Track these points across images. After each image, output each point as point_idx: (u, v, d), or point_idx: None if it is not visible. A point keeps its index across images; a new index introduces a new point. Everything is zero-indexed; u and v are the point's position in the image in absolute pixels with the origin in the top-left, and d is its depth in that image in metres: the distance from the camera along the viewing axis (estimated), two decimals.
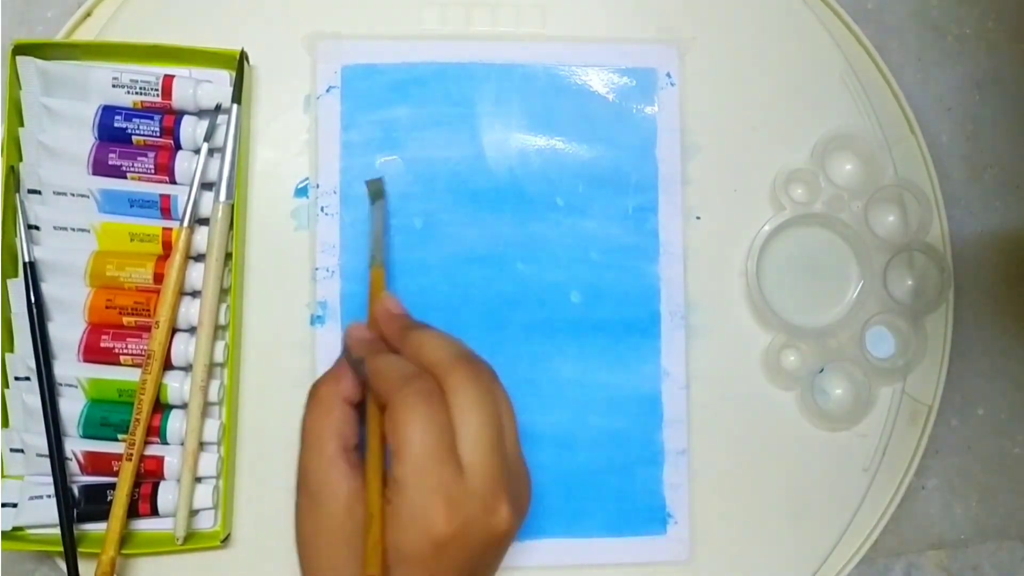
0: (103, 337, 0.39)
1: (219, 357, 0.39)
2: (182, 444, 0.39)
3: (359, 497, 0.31)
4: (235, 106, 0.39)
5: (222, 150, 0.39)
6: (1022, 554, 0.45)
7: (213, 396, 0.39)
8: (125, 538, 0.38)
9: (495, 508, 0.30)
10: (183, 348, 0.39)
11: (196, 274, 0.39)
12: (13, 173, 0.39)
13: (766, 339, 0.42)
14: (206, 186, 0.40)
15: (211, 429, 0.39)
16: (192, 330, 0.40)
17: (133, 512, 0.38)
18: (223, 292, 0.39)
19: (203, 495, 0.39)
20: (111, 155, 0.39)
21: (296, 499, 0.32)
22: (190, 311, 0.39)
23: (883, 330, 0.43)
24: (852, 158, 0.44)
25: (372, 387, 0.32)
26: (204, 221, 0.40)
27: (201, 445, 0.39)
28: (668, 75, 0.43)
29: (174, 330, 0.39)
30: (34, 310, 0.38)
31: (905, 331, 0.42)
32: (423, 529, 0.29)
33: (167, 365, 0.39)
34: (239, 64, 0.39)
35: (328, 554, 0.31)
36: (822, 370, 0.42)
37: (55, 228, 0.39)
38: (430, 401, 0.30)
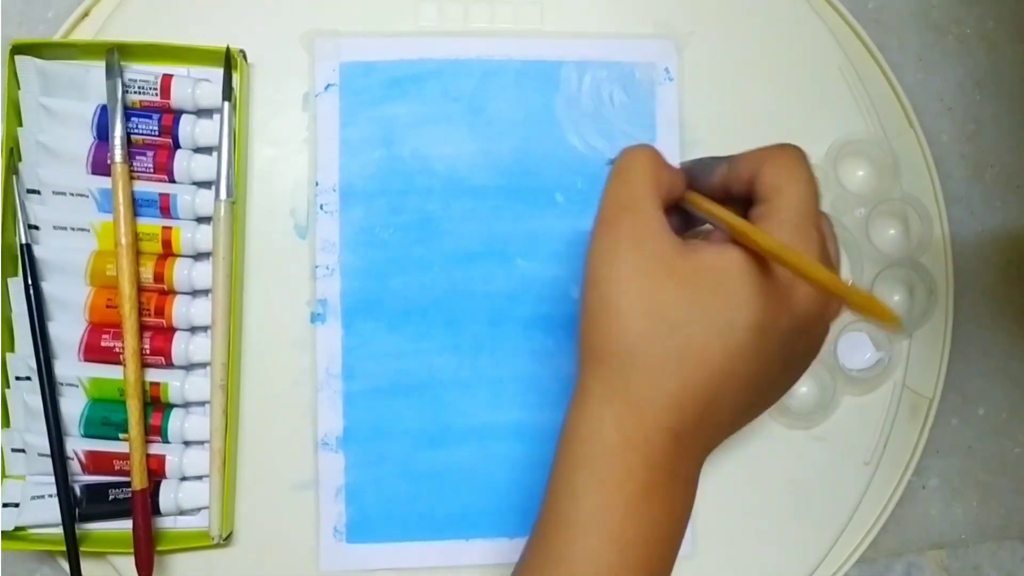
0: (104, 336, 0.39)
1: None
2: (184, 443, 0.39)
3: (688, 245, 0.29)
4: (227, 103, 0.39)
5: (218, 148, 0.39)
6: (1022, 554, 0.45)
7: (219, 395, 0.39)
8: (125, 538, 0.38)
9: (832, 301, 0.30)
10: (183, 347, 0.39)
11: (196, 273, 0.39)
12: (12, 173, 0.39)
13: None
14: (205, 184, 0.40)
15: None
16: (192, 330, 0.40)
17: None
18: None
19: (204, 493, 0.39)
20: (110, 154, 0.39)
21: (602, 236, 0.29)
22: (190, 310, 0.39)
23: (859, 338, 0.42)
24: (865, 165, 0.44)
25: (740, 164, 0.31)
26: (205, 220, 0.40)
27: (202, 443, 0.39)
28: (666, 70, 0.43)
29: (174, 329, 0.39)
30: (34, 309, 0.38)
31: (882, 344, 0.42)
32: None
33: (168, 364, 0.39)
34: (226, 61, 0.39)
35: (653, 294, 0.28)
36: None
37: (55, 228, 0.39)
38: (804, 159, 0.30)
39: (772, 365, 0.30)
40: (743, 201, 0.31)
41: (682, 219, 0.33)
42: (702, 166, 0.33)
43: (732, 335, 0.28)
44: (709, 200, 0.31)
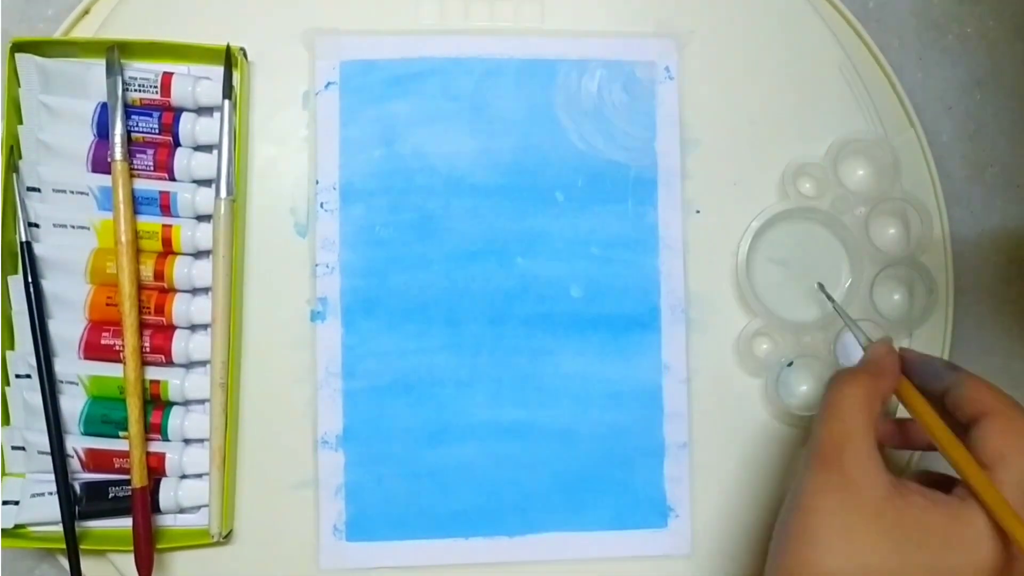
0: (104, 334, 0.39)
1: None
2: (184, 441, 0.39)
3: (899, 493, 0.29)
4: (227, 102, 0.39)
5: (219, 146, 0.39)
6: None
7: (219, 393, 0.39)
8: (125, 536, 0.38)
9: None
10: (183, 345, 0.39)
11: (196, 271, 0.39)
12: (13, 170, 0.39)
13: None
14: (205, 183, 0.40)
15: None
16: (192, 328, 0.40)
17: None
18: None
19: (204, 491, 0.39)
20: (110, 152, 0.39)
21: (812, 473, 0.30)
22: (190, 308, 0.39)
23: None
24: (865, 164, 0.43)
25: (968, 392, 0.31)
26: (205, 218, 0.40)
27: (202, 441, 0.39)
28: (667, 69, 0.43)
29: (174, 327, 0.39)
30: (34, 307, 0.38)
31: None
32: None
33: (168, 362, 0.39)
34: (226, 59, 0.39)
35: (856, 535, 0.29)
36: (791, 363, 0.42)
37: (55, 225, 0.39)
38: None
39: None
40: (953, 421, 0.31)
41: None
42: (927, 366, 0.33)
43: None
44: (932, 413, 0.31)
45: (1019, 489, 0.29)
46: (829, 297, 0.40)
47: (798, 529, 0.30)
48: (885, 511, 0.29)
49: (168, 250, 0.39)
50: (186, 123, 0.39)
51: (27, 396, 0.38)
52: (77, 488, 0.39)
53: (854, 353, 0.42)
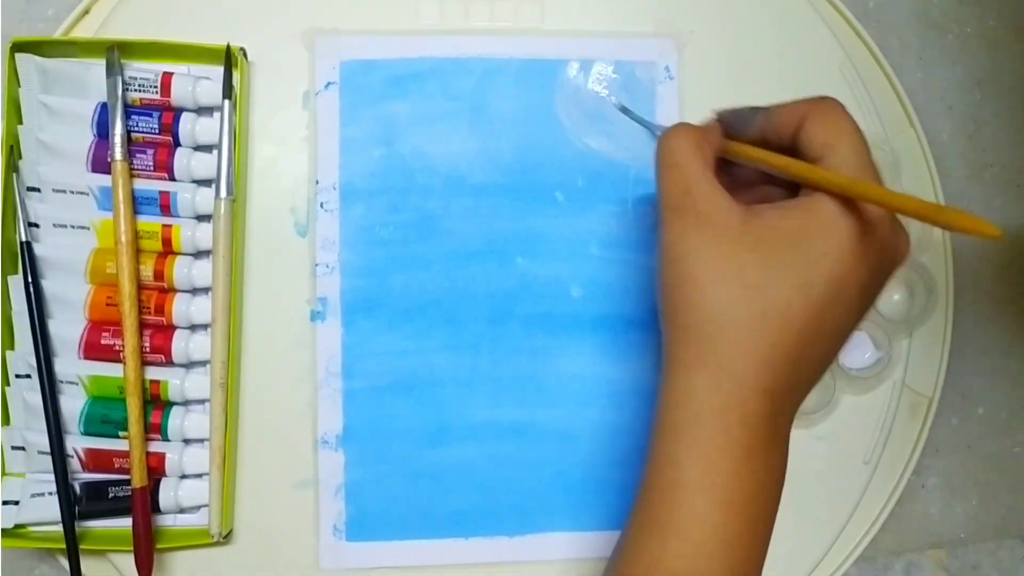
0: (104, 334, 0.39)
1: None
2: (184, 441, 0.39)
3: (752, 212, 0.30)
4: (227, 101, 0.39)
5: (219, 146, 0.39)
6: (1022, 553, 0.45)
7: (219, 394, 0.39)
8: (125, 536, 0.38)
9: (901, 225, 0.31)
10: (183, 345, 0.39)
11: (196, 271, 0.39)
12: (12, 170, 0.39)
13: None
14: (205, 182, 0.40)
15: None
16: (192, 327, 0.40)
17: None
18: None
19: (204, 491, 0.39)
20: (110, 152, 0.39)
21: (669, 224, 0.31)
22: (190, 308, 0.39)
23: (859, 338, 0.42)
24: None
25: (778, 117, 0.32)
26: (205, 218, 0.40)
27: (202, 441, 0.39)
28: (667, 69, 0.43)
29: (174, 327, 0.39)
30: (34, 307, 0.38)
31: (882, 343, 0.42)
32: None
33: (168, 362, 0.39)
34: (226, 59, 0.39)
35: (727, 261, 0.29)
36: None
37: (54, 226, 0.39)
38: (846, 111, 0.31)
39: (852, 312, 0.31)
40: (782, 152, 0.32)
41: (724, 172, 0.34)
42: (737, 117, 0.34)
43: (811, 291, 0.29)
44: (757, 148, 0.32)
45: (852, 167, 0.30)
46: (624, 110, 0.41)
47: (674, 278, 0.30)
48: (746, 231, 0.30)
49: (168, 250, 0.39)
50: (186, 123, 0.39)
51: (27, 396, 0.38)
52: (77, 488, 0.39)
53: (855, 353, 0.42)
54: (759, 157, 0.32)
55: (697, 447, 0.30)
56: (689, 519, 0.29)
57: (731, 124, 0.34)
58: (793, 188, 0.32)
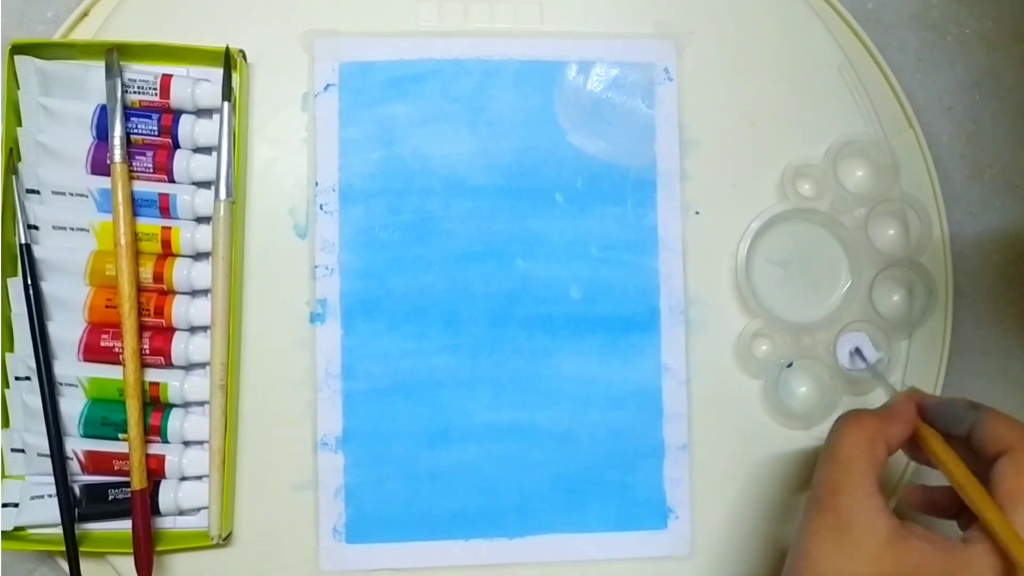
0: (103, 336, 0.39)
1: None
2: (183, 443, 0.39)
3: (899, 536, 0.29)
4: (226, 103, 0.39)
5: (218, 148, 0.39)
6: None
7: (218, 395, 0.39)
8: (124, 538, 0.38)
9: None
10: (183, 347, 0.39)
11: (196, 273, 0.39)
12: (12, 173, 0.39)
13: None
14: (204, 184, 0.40)
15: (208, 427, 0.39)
16: (192, 329, 0.40)
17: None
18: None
19: (204, 493, 0.39)
20: (109, 154, 0.39)
21: (810, 516, 0.31)
22: (189, 310, 0.39)
23: (859, 338, 0.42)
24: (864, 165, 0.44)
25: (988, 432, 0.31)
26: (204, 220, 0.40)
27: (201, 443, 0.39)
28: (666, 70, 0.43)
29: (173, 329, 0.39)
30: (34, 309, 0.38)
31: (882, 344, 0.42)
32: None
33: (167, 364, 0.39)
34: (225, 61, 0.39)
35: (845, 568, 0.29)
36: (791, 365, 0.42)
37: (54, 228, 0.39)
38: None
39: None
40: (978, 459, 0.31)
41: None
42: (949, 411, 0.32)
43: None
44: (948, 451, 0.31)
45: None
46: (870, 367, 0.41)
47: (798, 572, 0.30)
48: (883, 555, 0.29)
49: (167, 252, 0.39)
50: (185, 125, 0.39)
51: (27, 398, 0.38)
52: (77, 490, 0.39)
53: (856, 354, 0.42)
54: (948, 465, 0.31)
55: None
56: None
57: (935, 411, 0.33)
58: (967, 509, 0.30)
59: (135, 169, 0.39)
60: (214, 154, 0.40)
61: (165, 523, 0.40)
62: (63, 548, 0.37)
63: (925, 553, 0.29)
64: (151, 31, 0.41)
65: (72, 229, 0.39)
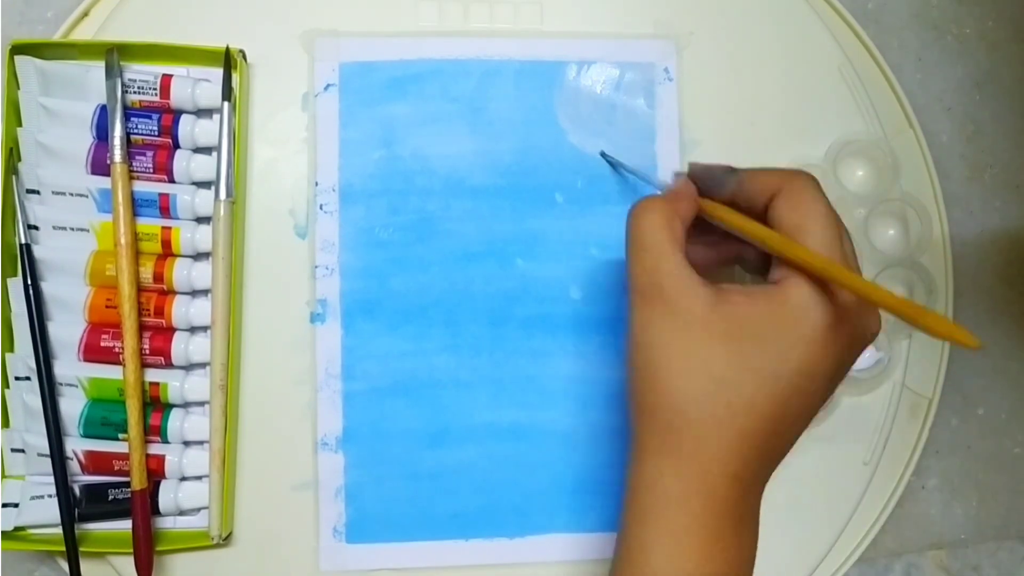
0: (103, 336, 0.39)
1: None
2: (183, 443, 0.39)
3: (720, 298, 0.30)
4: (226, 103, 0.39)
5: (218, 148, 0.39)
6: (1022, 554, 0.45)
7: (218, 396, 0.39)
8: (124, 538, 0.38)
9: (872, 310, 0.31)
10: (183, 347, 0.39)
11: (196, 273, 0.39)
12: (12, 173, 0.39)
13: None
14: (204, 184, 0.40)
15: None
16: (192, 330, 0.40)
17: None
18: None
19: (204, 493, 0.39)
20: (109, 154, 0.39)
21: (637, 310, 0.31)
22: (189, 310, 0.39)
23: None
24: (865, 165, 0.44)
25: (752, 185, 0.32)
26: (204, 220, 0.40)
27: (201, 443, 0.39)
28: (666, 70, 0.43)
29: (173, 329, 0.39)
30: (34, 309, 0.38)
31: (881, 344, 0.42)
32: None
33: (167, 364, 0.39)
34: (226, 61, 0.39)
35: (694, 352, 0.29)
36: None
37: (54, 228, 0.39)
38: (820, 186, 0.31)
39: (819, 395, 0.31)
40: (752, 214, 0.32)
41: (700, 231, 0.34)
42: (710, 176, 0.33)
43: (779, 383, 0.29)
44: (735, 213, 0.32)
45: (826, 252, 0.29)
46: (612, 162, 0.41)
47: (641, 364, 0.30)
48: (712, 321, 0.29)
49: (168, 252, 0.39)
50: (185, 125, 0.39)
51: (27, 398, 0.38)
52: (77, 490, 0.38)
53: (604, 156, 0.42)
54: (738, 224, 0.32)
55: (665, 532, 0.30)
56: None
57: (703, 182, 0.33)
58: (766, 256, 0.31)
59: (135, 169, 0.39)
60: (214, 154, 0.40)
61: (165, 523, 0.39)
62: (63, 548, 0.37)
63: (746, 304, 0.29)
64: (151, 31, 0.41)
65: (72, 229, 0.39)
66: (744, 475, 0.30)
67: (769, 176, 0.32)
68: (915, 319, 0.26)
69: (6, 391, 0.39)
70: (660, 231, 0.31)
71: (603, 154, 0.41)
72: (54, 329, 0.39)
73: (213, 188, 0.39)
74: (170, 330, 0.39)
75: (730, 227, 0.32)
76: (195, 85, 0.39)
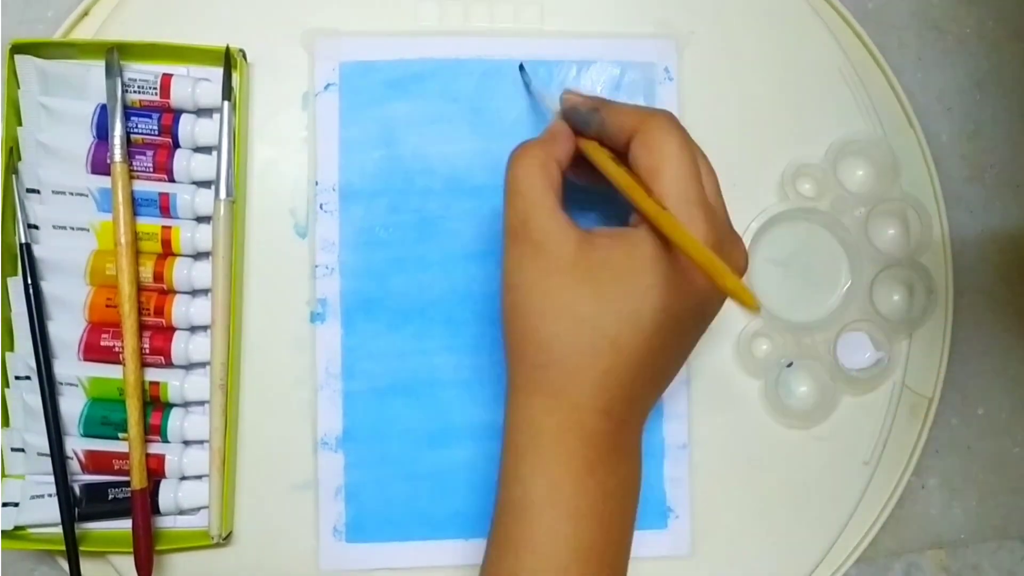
0: (103, 336, 0.39)
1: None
2: (183, 443, 0.39)
3: (586, 240, 0.31)
4: (226, 103, 0.39)
5: (218, 147, 0.39)
6: (1022, 554, 0.45)
7: (218, 395, 0.39)
8: (124, 537, 0.38)
9: (735, 242, 0.32)
10: (183, 347, 0.39)
11: (196, 272, 0.39)
12: (12, 172, 0.39)
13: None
14: (204, 184, 0.40)
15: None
16: (192, 329, 0.40)
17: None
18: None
19: (204, 493, 0.39)
20: (110, 154, 0.39)
21: (509, 250, 0.32)
22: (189, 310, 0.39)
23: (859, 338, 0.43)
24: (865, 165, 0.44)
25: (612, 126, 0.33)
26: (205, 219, 0.40)
27: (201, 442, 0.39)
28: (666, 70, 0.43)
29: (173, 328, 0.39)
30: (34, 308, 0.38)
31: (881, 344, 0.42)
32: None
33: (167, 364, 0.39)
34: (226, 60, 0.39)
35: (558, 293, 0.30)
36: (791, 364, 0.42)
37: (54, 227, 0.39)
38: (679, 125, 0.32)
39: (688, 331, 0.32)
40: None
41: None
42: (577, 114, 0.34)
43: (640, 322, 0.30)
44: (602, 153, 0.33)
45: (672, 196, 0.30)
46: (526, 81, 0.41)
47: (511, 306, 0.32)
48: (577, 261, 0.30)
49: (168, 251, 0.39)
50: (185, 124, 0.39)
51: (27, 398, 0.38)
52: (77, 490, 0.39)
53: (856, 354, 0.42)
54: (600, 165, 0.32)
55: (540, 465, 0.31)
56: (540, 534, 0.30)
57: (572, 119, 0.34)
58: None
59: (135, 169, 0.39)
60: (214, 154, 0.40)
61: (165, 523, 0.40)
62: (63, 548, 0.37)
63: (607, 246, 0.31)
64: (151, 30, 0.41)
65: (72, 229, 0.39)
66: (613, 410, 0.31)
67: (628, 116, 0.32)
68: (712, 275, 0.27)
69: (6, 390, 0.39)
70: (533, 177, 0.32)
71: (521, 67, 0.41)
72: (54, 328, 0.39)
73: (213, 187, 0.39)
74: (170, 329, 0.39)
75: (596, 165, 0.33)
76: (195, 84, 0.39)
